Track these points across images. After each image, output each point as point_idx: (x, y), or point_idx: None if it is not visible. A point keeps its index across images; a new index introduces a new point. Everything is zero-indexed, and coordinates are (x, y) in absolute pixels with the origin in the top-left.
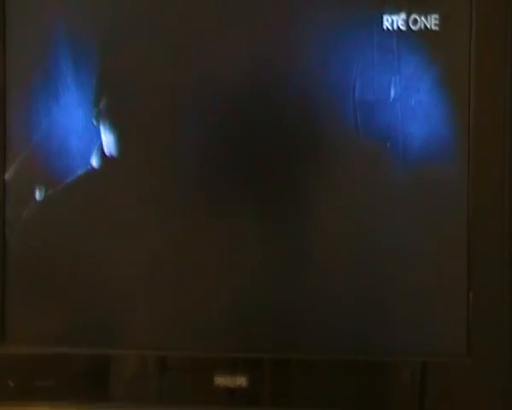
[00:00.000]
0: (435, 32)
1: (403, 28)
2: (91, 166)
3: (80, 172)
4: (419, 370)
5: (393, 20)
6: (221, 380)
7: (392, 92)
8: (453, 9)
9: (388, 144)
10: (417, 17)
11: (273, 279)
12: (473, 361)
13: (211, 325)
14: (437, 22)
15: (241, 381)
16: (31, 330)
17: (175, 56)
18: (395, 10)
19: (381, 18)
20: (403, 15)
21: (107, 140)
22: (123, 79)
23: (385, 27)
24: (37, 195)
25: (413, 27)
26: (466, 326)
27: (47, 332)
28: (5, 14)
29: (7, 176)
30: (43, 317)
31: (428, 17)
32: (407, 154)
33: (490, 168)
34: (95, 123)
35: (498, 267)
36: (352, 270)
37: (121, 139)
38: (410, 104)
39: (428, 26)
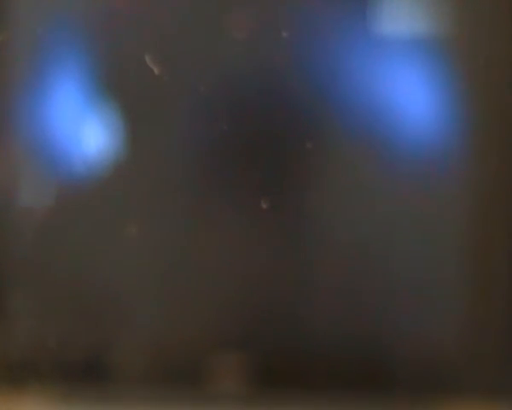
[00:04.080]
0: (443, 37)
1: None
2: (92, 167)
3: (81, 174)
4: (418, 369)
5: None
6: (221, 380)
7: (394, 97)
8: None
9: (389, 148)
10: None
11: (276, 280)
12: (472, 361)
13: (212, 322)
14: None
15: (243, 377)
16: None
17: (182, 53)
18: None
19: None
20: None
21: (111, 140)
22: (129, 76)
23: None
24: (39, 197)
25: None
26: (465, 328)
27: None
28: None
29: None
30: (43, 312)
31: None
32: (408, 158)
33: (492, 172)
34: (99, 122)
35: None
36: (352, 269)
37: (125, 140)
38: (412, 109)
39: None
